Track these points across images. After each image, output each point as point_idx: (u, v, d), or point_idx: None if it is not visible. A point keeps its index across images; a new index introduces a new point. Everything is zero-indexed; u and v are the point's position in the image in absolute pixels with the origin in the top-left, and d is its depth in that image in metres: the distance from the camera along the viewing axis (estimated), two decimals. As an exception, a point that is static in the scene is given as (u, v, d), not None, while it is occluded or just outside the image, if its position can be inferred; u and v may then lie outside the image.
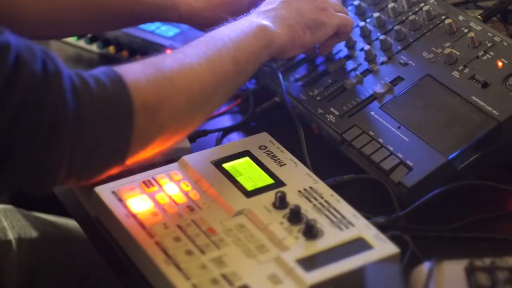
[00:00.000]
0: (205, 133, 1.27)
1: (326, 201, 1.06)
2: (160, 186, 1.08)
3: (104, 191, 1.07)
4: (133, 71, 0.97)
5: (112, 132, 0.94)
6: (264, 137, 1.17)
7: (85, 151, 0.92)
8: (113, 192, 1.07)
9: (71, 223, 1.42)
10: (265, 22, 1.13)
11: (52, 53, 0.93)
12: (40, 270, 1.33)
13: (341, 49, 1.30)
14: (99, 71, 0.95)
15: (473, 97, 1.16)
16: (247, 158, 1.13)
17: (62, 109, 0.90)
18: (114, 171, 0.98)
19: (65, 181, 0.94)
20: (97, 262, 1.34)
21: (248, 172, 1.10)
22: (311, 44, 1.19)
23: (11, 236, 1.34)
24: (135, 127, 0.95)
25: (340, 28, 1.22)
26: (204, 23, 1.27)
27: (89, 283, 1.35)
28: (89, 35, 1.48)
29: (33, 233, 1.36)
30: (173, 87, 0.99)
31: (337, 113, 1.22)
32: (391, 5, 1.32)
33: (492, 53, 1.20)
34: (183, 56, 1.03)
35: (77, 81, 0.92)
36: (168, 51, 1.39)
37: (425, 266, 0.94)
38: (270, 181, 1.09)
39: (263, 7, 1.17)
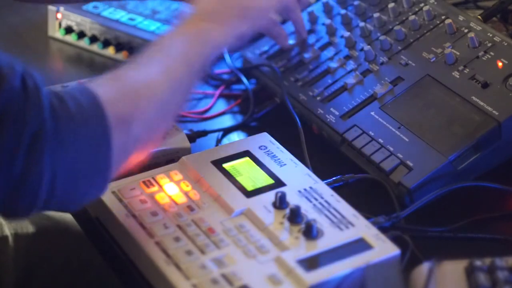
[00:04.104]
0: (205, 133, 1.27)
1: (326, 201, 1.06)
2: (160, 186, 1.08)
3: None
4: (104, 88, 0.98)
5: (92, 150, 0.94)
6: (264, 137, 1.17)
7: (66, 171, 0.91)
8: (113, 192, 1.07)
9: (68, 217, 1.41)
10: (204, 24, 1.12)
11: (32, 71, 0.92)
12: (38, 265, 1.32)
13: (341, 49, 1.30)
14: (76, 89, 0.95)
15: (473, 97, 1.16)
16: (247, 158, 1.13)
17: (41, 127, 0.89)
18: (98, 194, 0.98)
19: (46, 205, 0.92)
20: (94, 257, 1.34)
21: (248, 172, 1.10)
22: (256, 30, 1.20)
23: (7, 231, 1.34)
24: (112, 143, 0.95)
25: None
26: None
27: (86, 278, 1.35)
28: (89, 35, 1.47)
29: (30, 228, 1.36)
30: (141, 97, 1.00)
31: (337, 113, 1.22)
32: (391, 5, 1.32)
33: (492, 53, 1.20)
34: (142, 67, 1.04)
35: (55, 100, 0.92)
36: None
37: (425, 266, 0.94)
38: (270, 181, 1.09)
39: (198, 9, 1.16)
